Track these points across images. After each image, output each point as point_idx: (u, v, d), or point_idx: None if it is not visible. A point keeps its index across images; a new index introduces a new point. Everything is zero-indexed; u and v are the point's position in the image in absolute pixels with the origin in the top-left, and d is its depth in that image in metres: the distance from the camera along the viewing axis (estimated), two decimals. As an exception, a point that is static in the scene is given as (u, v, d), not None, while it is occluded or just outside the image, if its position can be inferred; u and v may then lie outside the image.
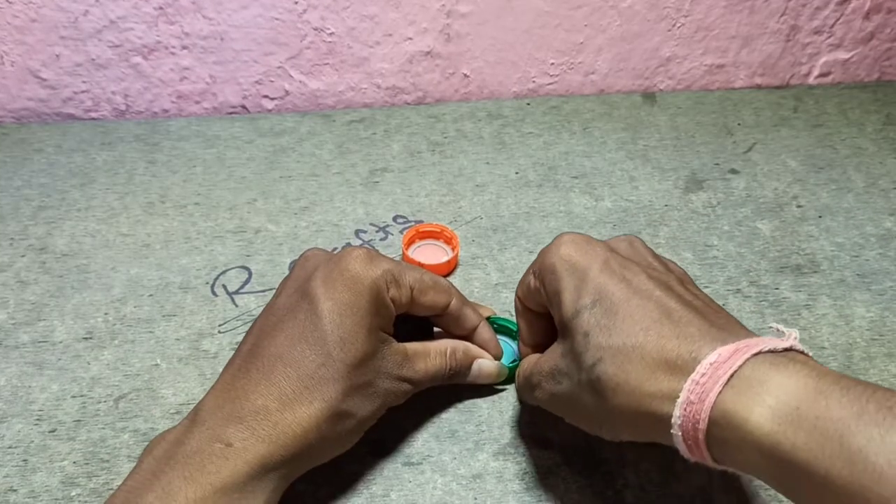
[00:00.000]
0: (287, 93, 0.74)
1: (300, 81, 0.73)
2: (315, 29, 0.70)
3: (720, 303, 0.53)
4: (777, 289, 0.55)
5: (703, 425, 0.30)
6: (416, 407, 0.45)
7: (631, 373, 0.33)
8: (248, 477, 0.34)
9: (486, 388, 0.47)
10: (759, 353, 0.30)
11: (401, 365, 0.41)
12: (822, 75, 0.79)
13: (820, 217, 0.61)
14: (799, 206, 0.62)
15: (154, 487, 0.33)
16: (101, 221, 0.61)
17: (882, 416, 0.26)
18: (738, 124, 0.72)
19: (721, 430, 0.30)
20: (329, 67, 0.73)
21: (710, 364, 0.30)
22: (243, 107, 0.74)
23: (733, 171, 0.66)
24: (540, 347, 0.43)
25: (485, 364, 0.46)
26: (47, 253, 0.58)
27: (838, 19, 0.75)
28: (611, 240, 0.41)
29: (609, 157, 0.68)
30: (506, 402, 0.47)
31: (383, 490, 0.42)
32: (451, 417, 0.46)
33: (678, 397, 0.31)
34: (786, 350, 0.31)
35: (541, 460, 0.44)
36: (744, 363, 0.30)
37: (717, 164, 0.67)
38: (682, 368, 0.31)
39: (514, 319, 0.49)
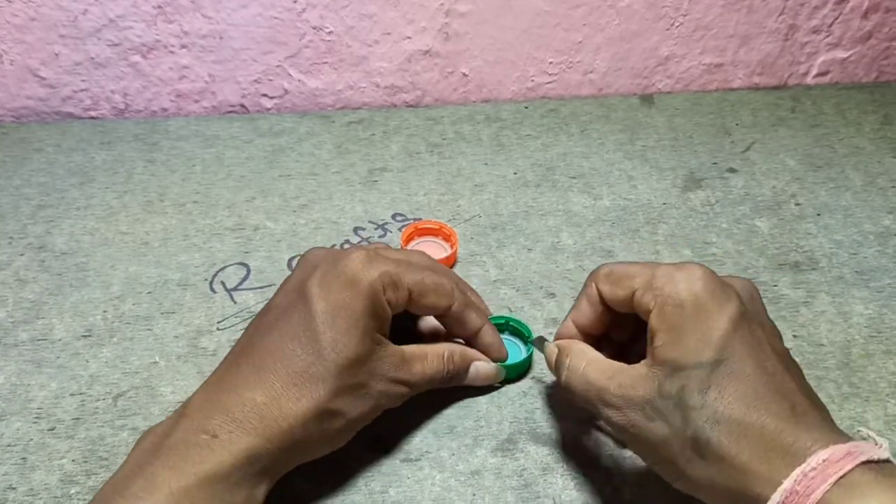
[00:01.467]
0: (286, 92, 0.74)
1: (299, 80, 0.73)
2: (314, 28, 0.70)
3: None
4: (776, 286, 0.55)
5: None
6: (414, 403, 0.45)
7: (744, 448, 0.32)
8: (233, 468, 0.34)
9: (484, 387, 0.47)
10: (868, 461, 0.30)
11: (397, 367, 0.41)
12: (820, 74, 0.79)
13: (818, 215, 0.61)
14: (797, 204, 0.62)
15: (138, 478, 0.33)
16: (100, 220, 0.61)
17: None
18: (736, 124, 0.72)
19: None
20: (328, 66, 0.73)
21: (823, 461, 0.30)
22: (242, 105, 0.74)
23: (731, 170, 0.66)
24: (590, 337, 0.42)
25: (482, 367, 0.46)
26: (46, 251, 0.58)
27: (836, 18, 0.75)
28: (737, 283, 0.38)
29: (607, 157, 0.68)
30: (504, 398, 0.47)
31: (382, 486, 0.42)
32: (449, 413, 0.46)
33: (781, 484, 0.30)
34: (884, 461, 0.31)
35: (539, 456, 0.44)
36: (853, 468, 0.30)
37: (715, 163, 0.67)
38: (794, 457, 0.31)
39: (520, 319, 0.50)
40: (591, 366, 0.39)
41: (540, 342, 0.45)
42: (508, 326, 0.50)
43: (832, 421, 0.34)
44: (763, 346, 0.35)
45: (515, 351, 0.49)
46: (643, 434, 0.36)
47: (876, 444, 0.31)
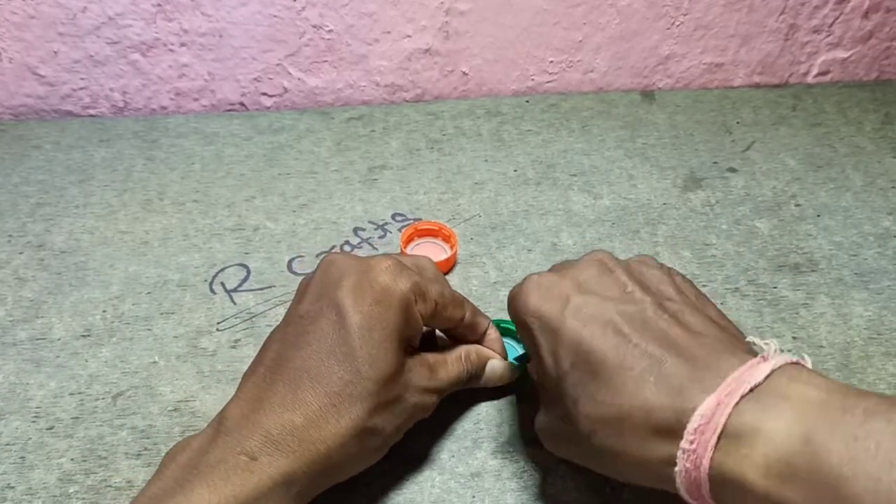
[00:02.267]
0: (286, 90, 0.74)
1: (299, 79, 0.73)
2: (314, 26, 0.70)
3: (718, 302, 0.53)
4: (775, 287, 0.55)
5: (705, 489, 0.30)
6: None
7: (627, 444, 0.32)
8: (270, 491, 0.34)
9: (486, 389, 0.47)
10: (742, 397, 0.29)
11: (428, 377, 0.40)
12: (820, 74, 0.79)
13: (818, 216, 0.61)
14: (797, 205, 0.62)
15: (177, 496, 0.33)
16: (100, 218, 0.61)
17: (874, 454, 0.25)
18: (737, 123, 0.72)
19: (723, 489, 0.29)
20: (328, 65, 0.73)
21: (696, 429, 0.29)
22: (242, 104, 0.74)
23: (732, 170, 0.66)
24: None
25: (497, 364, 0.45)
26: (45, 250, 0.58)
27: (837, 18, 0.75)
28: (579, 266, 0.39)
29: (608, 155, 0.68)
30: (504, 401, 0.47)
31: (381, 488, 0.42)
32: (448, 416, 0.46)
33: (676, 464, 0.30)
34: (769, 376, 0.30)
35: (539, 458, 0.44)
36: (728, 419, 0.29)
37: (715, 162, 0.67)
38: (672, 433, 0.30)
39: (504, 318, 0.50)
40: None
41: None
42: (510, 332, 0.50)
43: (723, 352, 0.32)
44: (610, 320, 0.34)
45: (514, 353, 0.49)
46: (570, 455, 0.38)
47: (761, 350, 0.31)
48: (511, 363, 0.46)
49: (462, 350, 0.44)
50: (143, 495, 0.34)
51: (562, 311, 0.36)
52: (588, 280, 0.37)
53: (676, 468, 0.30)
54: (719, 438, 0.29)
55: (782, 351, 0.31)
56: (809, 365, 0.31)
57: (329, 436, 0.36)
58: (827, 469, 0.26)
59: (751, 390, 0.29)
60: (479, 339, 0.46)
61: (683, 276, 0.40)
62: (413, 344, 0.41)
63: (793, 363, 0.31)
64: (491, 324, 0.46)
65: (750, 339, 0.34)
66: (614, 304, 0.35)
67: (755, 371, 0.30)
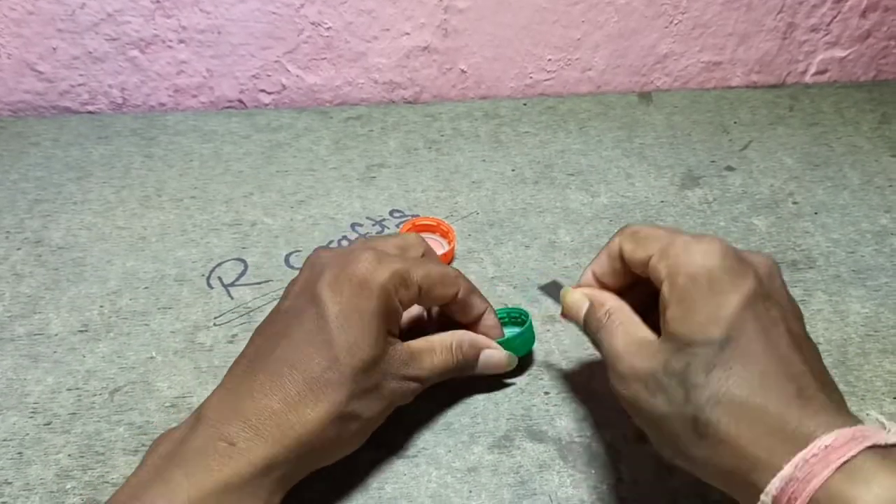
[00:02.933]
0: (284, 87, 0.74)
1: (297, 76, 0.73)
2: (312, 23, 0.70)
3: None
4: (772, 285, 0.55)
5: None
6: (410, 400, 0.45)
7: (744, 431, 0.32)
8: (251, 476, 0.34)
9: (481, 380, 0.47)
10: (874, 446, 0.29)
11: (407, 364, 0.41)
12: (818, 73, 0.79)
13: (816, 213, 0.61)
14: (795, 203, 0.62)
15: (157, 484, 0.33)
16: (98, 214, 0.61)
17: None
18: (735, 122, 0.72)
19: None
20: (326, 62, 0.73)
21: (826, 446, 0.29)
22: (240, 101, 0.74)
23: (729, 168, 0.66)
24: (612, 288, 0.42)
25: (493, 354, 0.45)
26: (43, 246, 0.58)
27: (835, 17, 0.75)
28: (757, 258, 0.37)
29: (605, 155, 0.68)
30: (501, 395, 0.47)
31: (378, 483, 0.42)
32: (445, 410, 0.46)
33: (781, 469, 0.30)
34: (891, 445, 0.30)
35: (536, 454, 0.44)
36: (858, 453, 0.29)
37: (713, 161, 0.67)
38: (796, 442, 0.30)
39: (520, 307, 0.49)
40: (624, 327, 0.39)
41: (554, 288, 0.44)
42: (510, 318, 0.50)
43: (843, 404, 0.33)
44: (777, 325, 0.34)
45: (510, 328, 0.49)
46: (645, 409, 0.36)
47: (884, 427, 0.31)
48: (509, 354, 0.46)
49: (454, 339, 0.44)
50: (125, 486, 0.34)
51: (739, 289, 0.35)
52: (766, 277, 0.37)
53: (782, 473, 0.30)
54: (844, 464, 0.29)
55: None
56: None
57: (307, 420, 0.36)
58: None
59: (880, 445, 0.30)
60: (475, 321, 0.45)
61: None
62: (394, 332, 0.41)
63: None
64: (490, 308, 0.46)
65: (873, 414, 0.34)
66: (781, 312, 0.35)
67: (884, 435, 0.30)
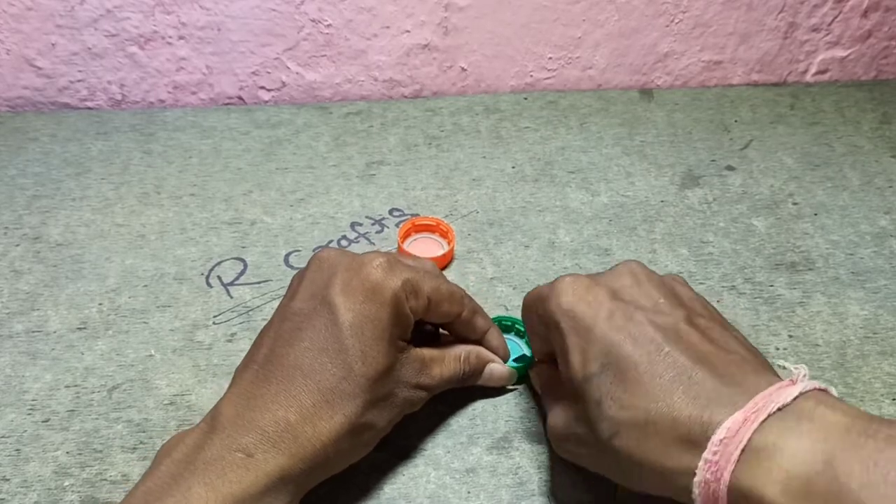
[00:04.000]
0: (284, 84, 0.74)
1: (297, 73, 0.73)
2: (312, 20, 0.70)
3: (714, 300, 0.53)
4: (772, 286, 0.55)
5: (722, 503, 0.30)
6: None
7: (649, 450, 0.32)
8: (266, 488, 0.34)
9: (489, 389, 0.47)
10: (769, 416, 0.30)
11: (419, 372, 0.41)
12: (819, 73, 0.79)
13: (815, 214, 0.61)
14: (795, 204, 0.62)
15: (173, 492, 0.33)
16: (96, 211, 0.60)
17: (893, 480, 0.26)
18: (735, 121, 0.72)
19: None
20: (326, 59, 0.72)
21: (721, 441, 0.30)
22: (240, 98, 0.74)
23: (730, 168, 0.66)
24: (552, 356, 0.43)
25: (496, 368, 0.46)
26: (41, 242, 0.58)
27: (836, 17, 0.75)
28: (612, 275, 0.39)
29: (606, 152, 0.68)
30: (500, 397, 0.47)
31: (377, 483, 0.42)
32: (444, 411, 0.46)
33: (696, 475, 0.31)
34: (796, 398, 0.30)
35: (534, 455, 0.44)
36: (753, 434, 0.29)
37: (713, 160, 0.67)
38: (695, 443, 0.31)
39: (516, 316, 0.49)
40: (551, 395, 0.42)
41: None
42: (515, 329, 0.50)
43: (747, 371, 0.33)
44: (644, 329, 0.35)
45: (517, 351, 0.49)
46: (580, 459, 0.39)
47: (789, 373, 0.32)
48: (511, 368, 0.47)
49: (462, 350, 0.44)
50: (138, 489, 0.34)
51: (596, 314, 0.36)
52: (622, 288, 0.38)
53: (696, 479, 0.30)
54: (742, 452, 0.29)
55: (811, 378, 0.32)
56: (835, 395, 0.32)
57: (323, 432, 0.36)
58: (846, 492, 0.27)
59: (778, 410, 0.30)
60: (479, 339, 0.46)
61: (710, 303, 0.40)
62: (405, 338, 0.41)
63: (820, 389, 0.31)
64: (493, 326, 0.46)
65: (780, 362, 0.35)
66: (646, 313, 0.36)
67: (783, 392, 0.30)
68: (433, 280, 0.42)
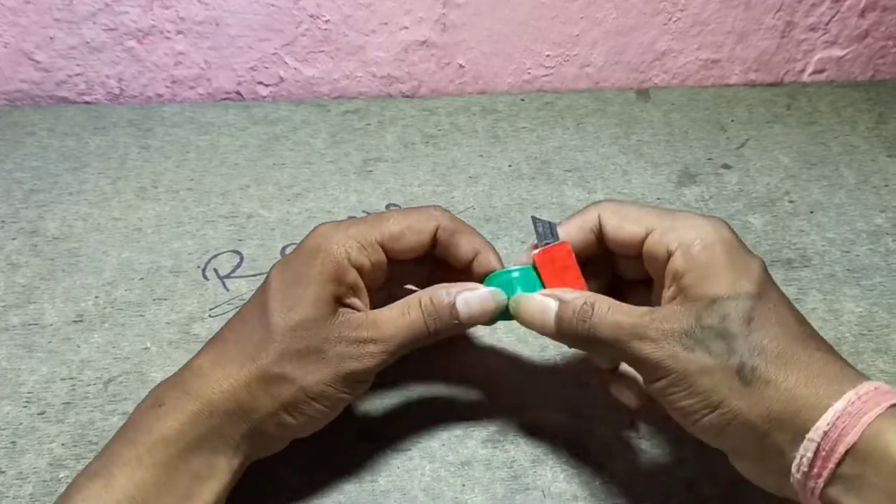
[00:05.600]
0: (282, 80, 0.74)
1: (295, 68, 0.73)
2: (311, 16, 0.70)
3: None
4: (767, 283, 0.55)
5: (852, 438, 0.30)
6: (405, 393, 0.45)
7: (791, 374, 0.33)
8: (180, 433, 0.35)
9: (476, 374, 0.47)
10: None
11: (359, 327, 0.37)
12: (816, 72, 0.79)
13: (811, 212, 0.61)
14: (791, 202, 0.62)
15: (100, 456, 0.35)
16: (93, 205, 0.61)
17: None
18: (732, 121, 0.72)
19: (867, 449, 0.30)
20: (324, 55, 0.72)
21: (875, 388, 0.31)
22: (238, 93, 0.74)
23: (726, 166, 0.66)
24: (600, 288, 0.41)
25: (471, 297, 0.39)
26: (38, 236, 0.58)
27: (834, 16, 0.75)
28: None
29: (602, 151, 0.68)
30: (496, 390, 0.47)
31: (371, 475, 0.42)
32: (439, 404, 0.46)
33: (831, 406, 0.31)
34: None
35: (529, 448, 0.44)
36: (888, 407, 0.31)
37: (709, 159, 0.67)
38: (842, 384, 0.32)
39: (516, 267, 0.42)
40: (615, 308, 0.36)
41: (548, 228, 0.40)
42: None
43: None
44: (789, 301, 0.36)
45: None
46: (681, 366, 0.34)
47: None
48: (495, 290, 0.39)
49: (422, 294, 0.39)
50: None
51: (755, 260, 0.36)
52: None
53: (836, 405, 0.31)
54: (891, 407, 0.31)
55: None
56: None
57: (231, 374, 0.36)
58: None
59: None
60: (466, 266, 0.41)
61: None
62: (348, 298, 0.38)
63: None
64: (488, 248, 0.42)
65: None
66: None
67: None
68: (382, 222, 0.40)
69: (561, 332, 0.38)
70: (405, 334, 0.38)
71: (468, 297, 0.39)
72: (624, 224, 0.38)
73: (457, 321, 0.39)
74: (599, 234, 0.40)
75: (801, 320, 0.35)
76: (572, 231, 0.40)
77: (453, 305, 0.38)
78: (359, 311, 0.39)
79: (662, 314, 0.35)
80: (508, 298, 0.40)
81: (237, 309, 0.50)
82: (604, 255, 0.41)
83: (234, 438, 0.37)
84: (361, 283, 0.39)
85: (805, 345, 0.34)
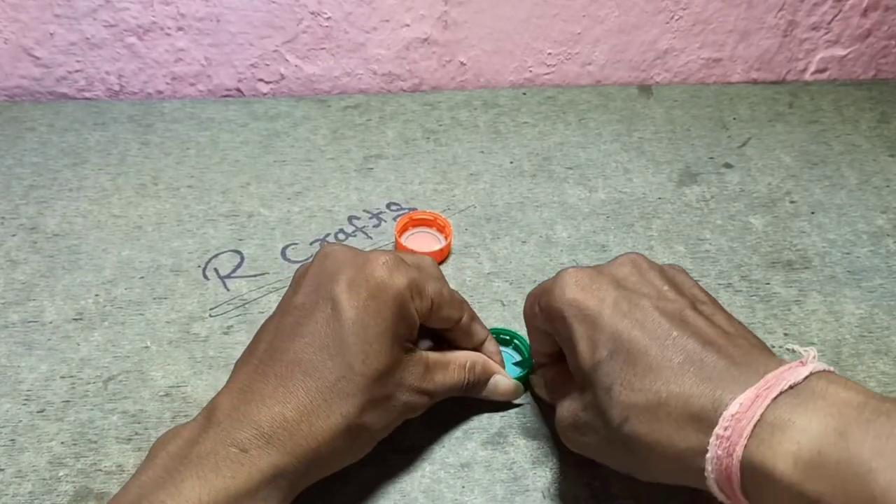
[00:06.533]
0: (282, 77, 0.73)
1: (296, 66, 0.73)
2: (312, 13, 0.70)
3: (711, 297, 0.53)
4: (768, 284, 0.55)
5: (735, 479, 0.30)
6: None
7: (661, 432, 0.32)
8: (260, 484, 0.34)
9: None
10: (780, 393, 0.30)
11: (422, 377, 0.40)
12: (818, 71, 0.79)
13: (812, 213, 0.61)
14: (792, 202, 0.62)
15: (167, 486, 0.32)
16: (93, 202, 0.60)
17: None
18: (734, 119, 0.72)
19: (753, 480, 0.30)
20: (325, 52, 0.72)
21: (732, 416, 0.30)
22: (238, 90, 0.74)
23: (727, 166, 0.66)
24: (554, 357, 0.43)
25: (501, 381, 0.45)
26: (38, 233, 0.58)
27: (836, 16, 0.75)
28: (614, 265, 0.39)
29: (604, 148, 0.68)
30: (495, 392, 0.47)
31: (372, 477, 0.42)
32: (440, 406, 0.46)
33: (708, 452, 0.31)
34: (807, 377, 0.30)
35: (529, 450, 0.44)
36: (765, 410, 0.30)
37: (711, 157, 0.67)
38: (707, 421, 0.31)
39: (514, 330, 0.49)
40: (559, 389, 0.41)
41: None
42: (514, 343, 0.49)
43: (755, 354, 0.33)
44: (650, 315, 0.35)
45: (511, 365, 0.48)
46: (586, 448, 0.38)
47: (798, 356, 0.32)
48: (518, 383, 0.46)
49: (469, 358, 0.43)
50: (133, 483, 0.33)
51: (601, 303, 0.36)
52: (625, 278, 0.38)
53: (708, 455, 0.31)
54: (754, 427, 0.30)
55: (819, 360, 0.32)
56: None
57: (319, 431, 0.35)
58: (857, 461, 0.27)
59: (789, 388, 0.30)
60: (476, 348, 0.45)
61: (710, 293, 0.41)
62: (411, 339, 0.40)
63: (828, 371, 0.32)
64: (490, 336, 0.46)
65: (790, 345, 0.35)
66: (651, 300, 0.36)
67: (794, 372, 0.31)
68: (436, 282, 0.41)
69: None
70: (448, 389, 0.42)
71: (499, 381, 0.45)
72: (532, 312, 0.42)
73: (480, 392, 0.45)
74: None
75: (660, 342, 0.34)
76: (535, 339, 0.44)
77: (488, 380, 0.44)
78: (414, 349, 0.41)
79: (564, 407, 0.39)
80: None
81: (239, 309, 0.50)
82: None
83: (300, 487, 0.37)
84: (417, 326, 0.41)
85: (667, 381, 0.33)
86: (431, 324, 0.42)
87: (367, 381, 0.36)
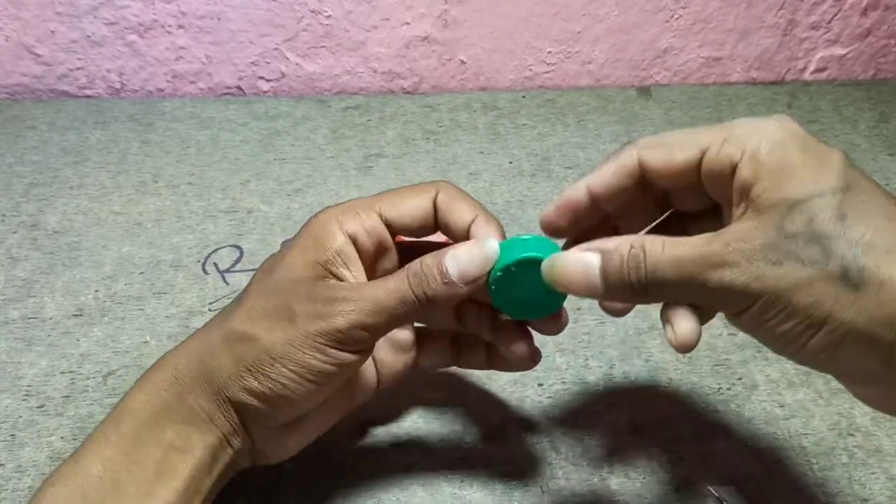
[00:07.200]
0: (283, 75, 0.74)
1: (296, 64, 0.73)
2: (312, 11, 0.70)
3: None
4: (767, 281, 0.55)
5: None
6: (403, 389, 0.45)
7: None
8: (146, 402, 0.34)
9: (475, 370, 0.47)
10: None
11: (333, 288, 0.34)
12: (817, 71, 0.79)
13: (811, 211, 0.61)
14: (791, 201, 0.62)
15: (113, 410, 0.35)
16: (94, 199, 0.61)
17: None
18: (733, 119, 0.72)
19: None
20: (325, 50, 0.72)
21: None
22: (238, 88, 0.74)
23: (727, 164, 0.66)
24: (592, 216, 0.37)
25: (458, 253, 0.35)
26: (39, 230, 0.58)
27: (836, 15, 0.75)
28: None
29: (603, 149, 0.68)
30: (494, 385, 0.47)
31: (370, 470, 0.42)
32: (439, 400, 0.46)
33: None
34: None
35: (527, 445, 0.44)
36: None
37: (710, 156, 0.67)
38: None
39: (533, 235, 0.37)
40: (671, 244, 0.31)
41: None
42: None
43: None
44: (885, 191, 0.31)
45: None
46: (771, 285, 0.30)
47: None
48: (487, 241, 0.35)
49: (409, 265, 0.35)
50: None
51: (832, 150, 0.32)
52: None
53: None
54: None
55: None
56: None
57: (199, 337, 0.36)
58: None
59: None
60: (464, 232, 0.37)
61: None
62: (331, 264, 0.35)
63: None
64: (484, 216, 0.37)
65: None
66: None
67: None
68: (383, 193, 0.38)
69: (610, 287, 0.32)
70: (386, 298, 0.34)
71: (455, 252, 0.35)
72: (673, 154, 0.33)
73: (447, 280, 0.34)
74: (640, 178, 0.35)
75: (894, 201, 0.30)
76: (605, 180, 0.35)
77: (441, 264, 0.34)
78: (331, 278, 0.36)
79: (735, 234, 0.30)
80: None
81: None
82: (645, 198, 0.37)
83: (203, 408, 0.34)
84: (354, 254, 0.36)
85: None
86: (403, 227, 0.37)
87: (255, 292, 0.35)
